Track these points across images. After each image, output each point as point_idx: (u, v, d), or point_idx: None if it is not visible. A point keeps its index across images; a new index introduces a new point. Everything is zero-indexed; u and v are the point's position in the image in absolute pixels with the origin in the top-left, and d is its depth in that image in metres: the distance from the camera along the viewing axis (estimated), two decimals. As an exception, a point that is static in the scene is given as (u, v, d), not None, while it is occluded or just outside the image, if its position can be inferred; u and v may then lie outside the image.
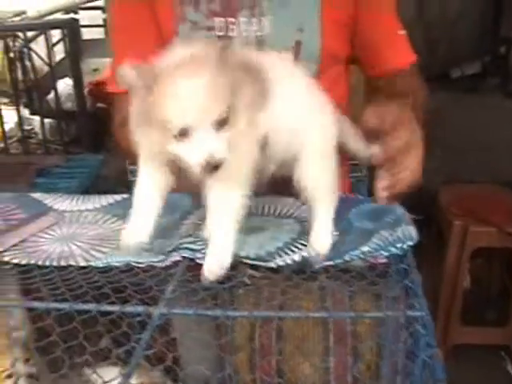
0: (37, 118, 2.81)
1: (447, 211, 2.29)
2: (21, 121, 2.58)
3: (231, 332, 1.06)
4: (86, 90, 2.83)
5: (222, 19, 1.07)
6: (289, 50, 1.06)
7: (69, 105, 2.83)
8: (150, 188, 0.89)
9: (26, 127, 2.79)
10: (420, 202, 2.52)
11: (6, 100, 2.97)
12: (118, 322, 0.78)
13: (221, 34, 1.07)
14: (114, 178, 2.14)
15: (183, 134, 0.75)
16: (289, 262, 0.89)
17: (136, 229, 0.90)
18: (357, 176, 1.75)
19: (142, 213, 0.90)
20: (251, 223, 0.93)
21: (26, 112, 2.85)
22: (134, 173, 1.13)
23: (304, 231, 0.97)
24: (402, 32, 1.19)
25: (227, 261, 0.83)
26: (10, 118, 2.79)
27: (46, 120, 2.73)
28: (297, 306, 0.94)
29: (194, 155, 0.75)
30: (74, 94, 2.64)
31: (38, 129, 2.88)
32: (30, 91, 2.75)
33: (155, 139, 0.78)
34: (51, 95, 2.70)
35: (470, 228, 2.18)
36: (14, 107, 2.60)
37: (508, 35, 2.88)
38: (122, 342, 0.78)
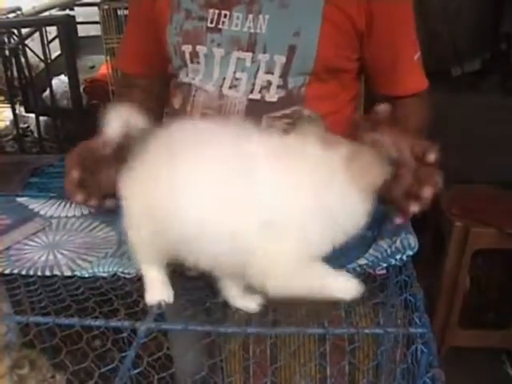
0: (32, 116, 2.78)
1: (447, 212, 2.25)
2: (16, 119, 2.55)
3: (225, 343, 1.03)
4: (81, 88, 2.81)
5: (216, 11, 1.03)
6: (282, 54, 1.00)
7: (64, 102, 2.81)
8: None
9: (22, 125, 2.76)
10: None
11: (1, 98, 2.95)
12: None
13: (211, 25, 1.03)
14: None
15: None
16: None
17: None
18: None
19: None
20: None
21: (21, 110, 2.83)
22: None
23: None
24: (417, 56, 1.08)
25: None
26: (6, 116, 2.77)
27: (42, 118, 2.70)
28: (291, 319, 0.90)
29: None
30: (69, 92, 2.62)
31: (33, 127, 2.85)
32: (26, 89, 2.72)
33: None
34: (47, 93, 2.68)
35: (471, 229, 2.14)
36: (9, 105, 2.57)
37: (508, 32, 2.84)
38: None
